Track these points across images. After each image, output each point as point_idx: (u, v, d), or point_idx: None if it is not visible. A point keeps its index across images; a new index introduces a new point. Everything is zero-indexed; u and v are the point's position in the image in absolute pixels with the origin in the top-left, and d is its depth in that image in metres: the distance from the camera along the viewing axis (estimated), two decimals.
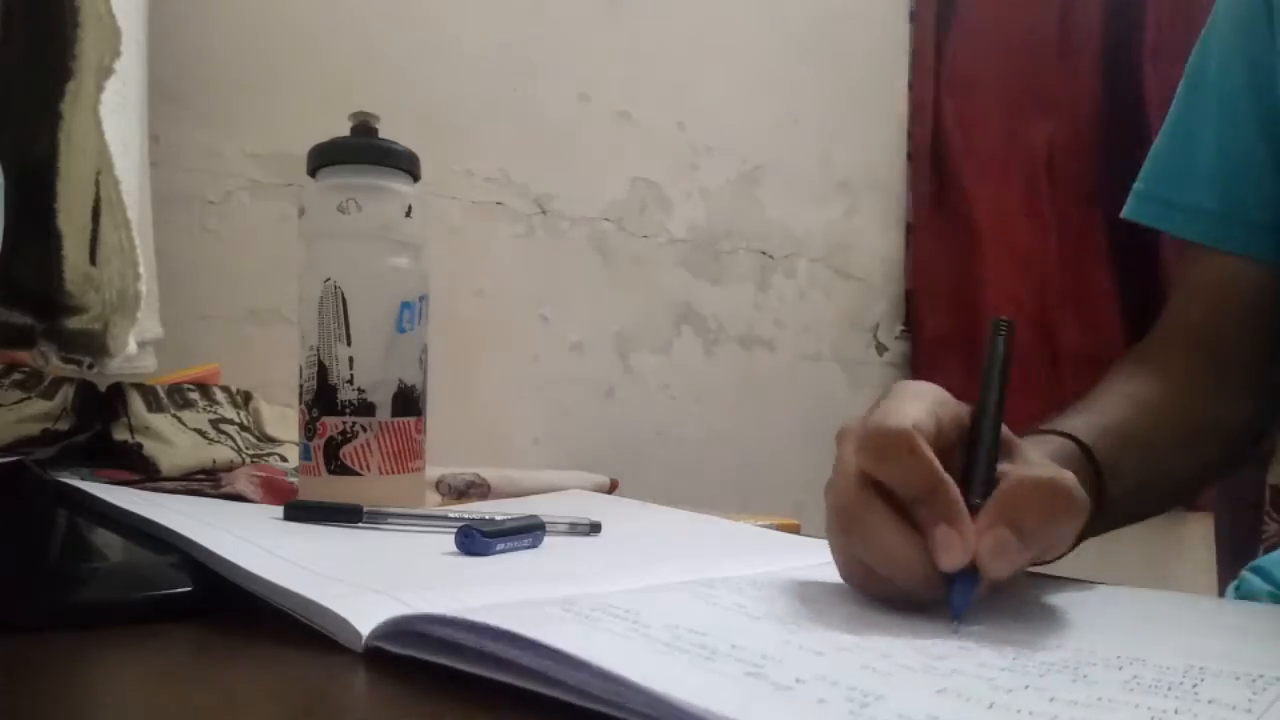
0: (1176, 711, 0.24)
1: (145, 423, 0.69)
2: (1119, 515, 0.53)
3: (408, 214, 0.60)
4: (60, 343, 0.49)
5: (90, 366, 0.51)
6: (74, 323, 0.48)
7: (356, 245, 0.59)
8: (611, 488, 0.85)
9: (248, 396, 0.82)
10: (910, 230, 1.63)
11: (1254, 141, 0.60)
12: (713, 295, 1.39)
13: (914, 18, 1.59)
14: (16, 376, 0.68)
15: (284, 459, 0.74)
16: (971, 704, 0.24)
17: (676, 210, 1.36)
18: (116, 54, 0.51)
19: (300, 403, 0.60)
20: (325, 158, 0.60)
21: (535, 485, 0.79)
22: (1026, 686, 0.26)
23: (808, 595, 0.37)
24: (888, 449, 0.35)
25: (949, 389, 0.40)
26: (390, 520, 0.51)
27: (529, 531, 0.48)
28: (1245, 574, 0.65)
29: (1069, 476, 0.36)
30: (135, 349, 0.51)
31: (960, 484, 0.36)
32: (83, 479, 0.58)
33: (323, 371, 0.58)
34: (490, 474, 0.78)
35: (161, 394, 0.73)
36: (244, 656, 0.32)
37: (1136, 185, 0.66)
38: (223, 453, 0.70)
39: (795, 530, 0.67)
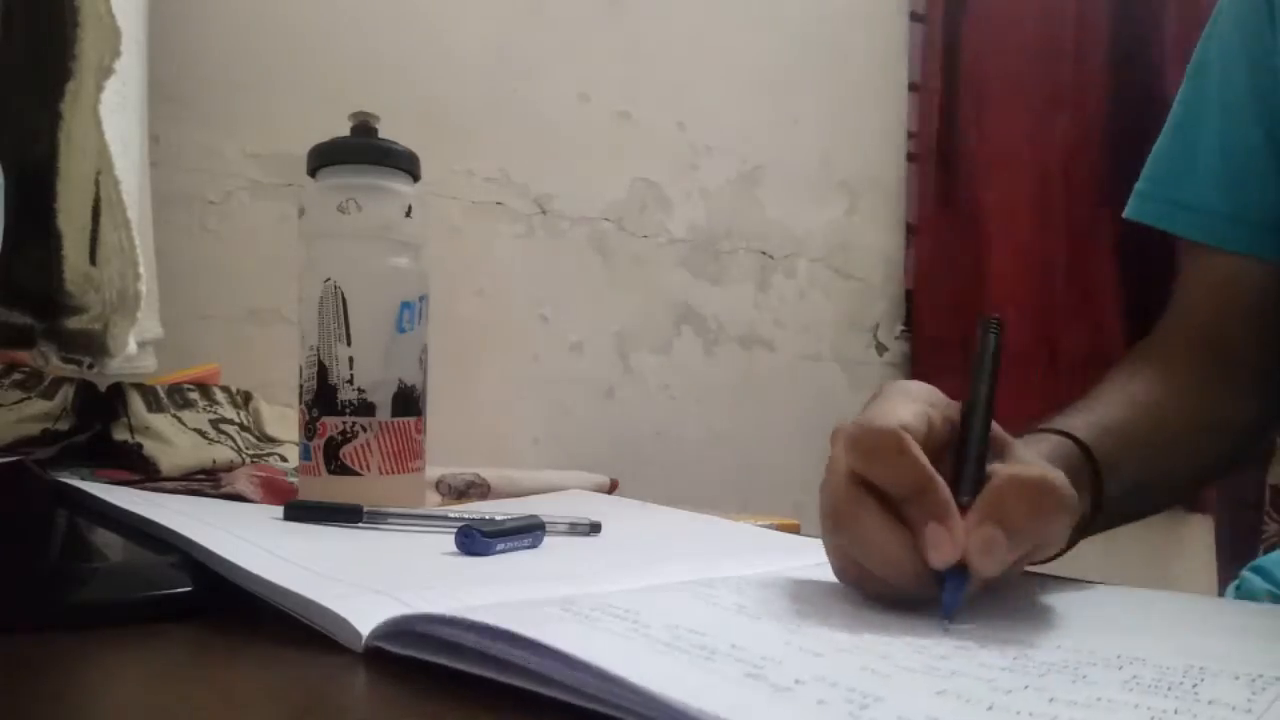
0: (1176, 711, 0.24)
1: (145, 423, 0.69)
2: (1119, 514, 0.53)
3: (408, 214, 0.60)
4: (60, 343, 0.49)
5: (90, 366, 0.51)
6: (74, 323, 0.48)
7: (356, 245, 0.59)
8: (611, 488, 0.85)
9: (248, 396, 0.82)
10: (912, 230, 1.63)
11: (1257, 141, 0.60)
12: (713, 295, 1.39)
13: (923, 17, 1.59)
14: (16, 376, 0.68)
15: (284, 459, 0.74)
16: (971, 705, 0.24)
17: (676, 210, 1.36)
18: (116, 54, 0.51)
19: (300, 403, 0.60)
20: (325, 158, 0.60)
21: (535, 485, 0.79)
22: (1026, 687, 0.26)
23: (807, 595, 0.37)
24: (876, 449, 0.35)
25: (949, 390, 0.40)
26: (390, 520, 0.51)
27: (529, 531, 0.48)
28: (1245, 573, 0.65)
29: (1057, 474, 0.36)
30: (135, 349, 0.51)
31: (950, 483, 0.36)
32: (83, 479, 0.58)
33: (323, 371, 0.58)
34: (490, 474, 0.78)
35: (161, 394, 0.73)
36: (244, 656, 0.32)
37: (1139, 185, 0.66)
38: (223, 453, 0.70)
39: (795, 530, 0.67)
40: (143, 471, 0.65)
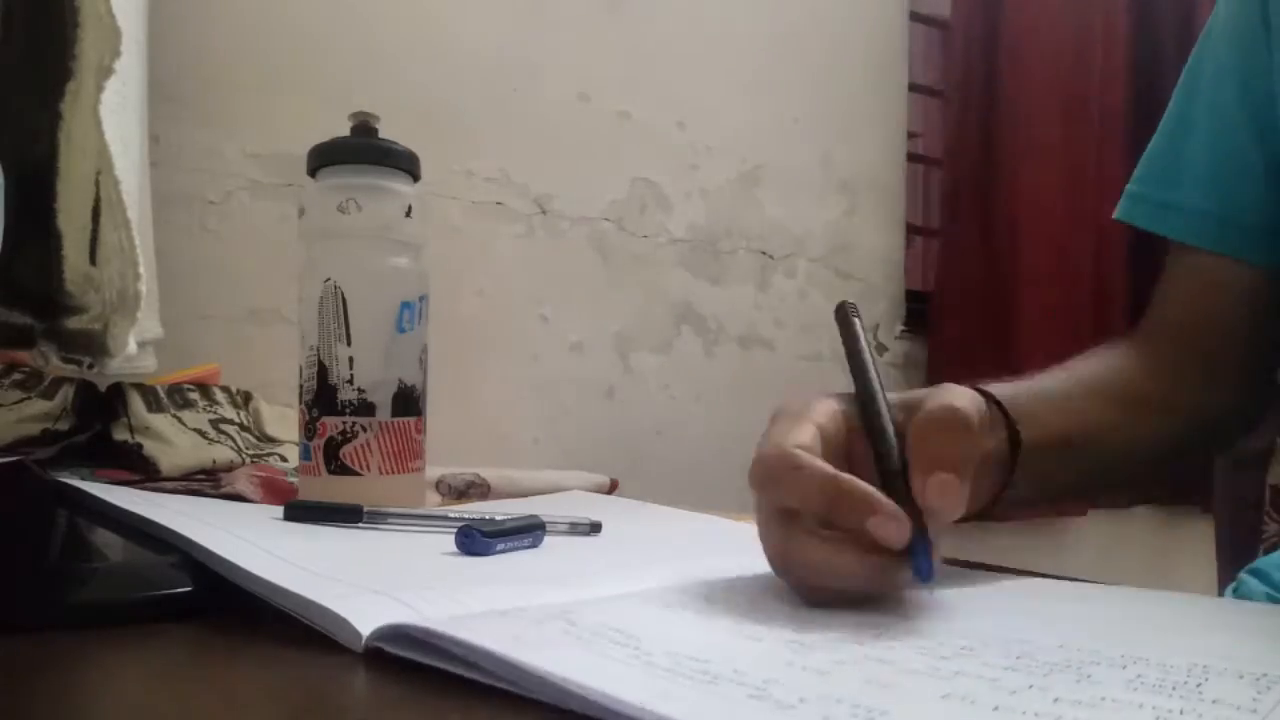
0: (1181, 711, 0.24)
1: (145, 423, 0.69)
2: (1049, 479, 0.52)
3: (408, 214, 0.60)
4: (60, 343, 0.49)
5: (90, 366, 0.51)
6: (74, 323, 0.48)
7: (356, 245, 0.59)
8: (611, 488, 0.85)
9: (248, 396, 0.82)
10: (914, 230, 1.63)
11: (1246, 147, 0.61)
12: (713, 295, 1.39)
13: (926, 18, 1.59)
14: (16, 376, 0.68)
15: (284, 459, 0.74)
16: (976, 708, 0.24)
17: (676, 210, 1.36)
18: (116, 54, 0.51)
19: (300, 403, 0.60)
20: (325, 158, 0.60)
21: (535, 485, 0.79)
22: (1030, 687, 0.26)
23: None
24: (773, 474, 0.36)
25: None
26: (390, 520, 0.51)
27: (529, 531, 0.48)
28: (1243, 576, 0.65)
29: (950, 390, 0.37)
30: (135, 349, 0.51)
31: (875, 460, 0.37)
32: (83, 479, 0.58)
33: (323, 371, 0.58)
34: (490, 474, 0.78)
35: (161, 394, 0.73)
36: (244, 656, 0.32)
37: (1129, 187, 0.66)
38: (223, 453, 0.70)
39: None
40: (143, 471, 0.65)
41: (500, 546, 0.45)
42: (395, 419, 0.59)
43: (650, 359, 1.33)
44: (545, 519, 0.49)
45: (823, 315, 1.49)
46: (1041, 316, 1.56)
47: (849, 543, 0.35)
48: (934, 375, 1.55)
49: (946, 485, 0.34)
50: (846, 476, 0.35)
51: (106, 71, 0.51)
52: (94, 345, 0.49)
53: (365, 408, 0.58)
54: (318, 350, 0.59)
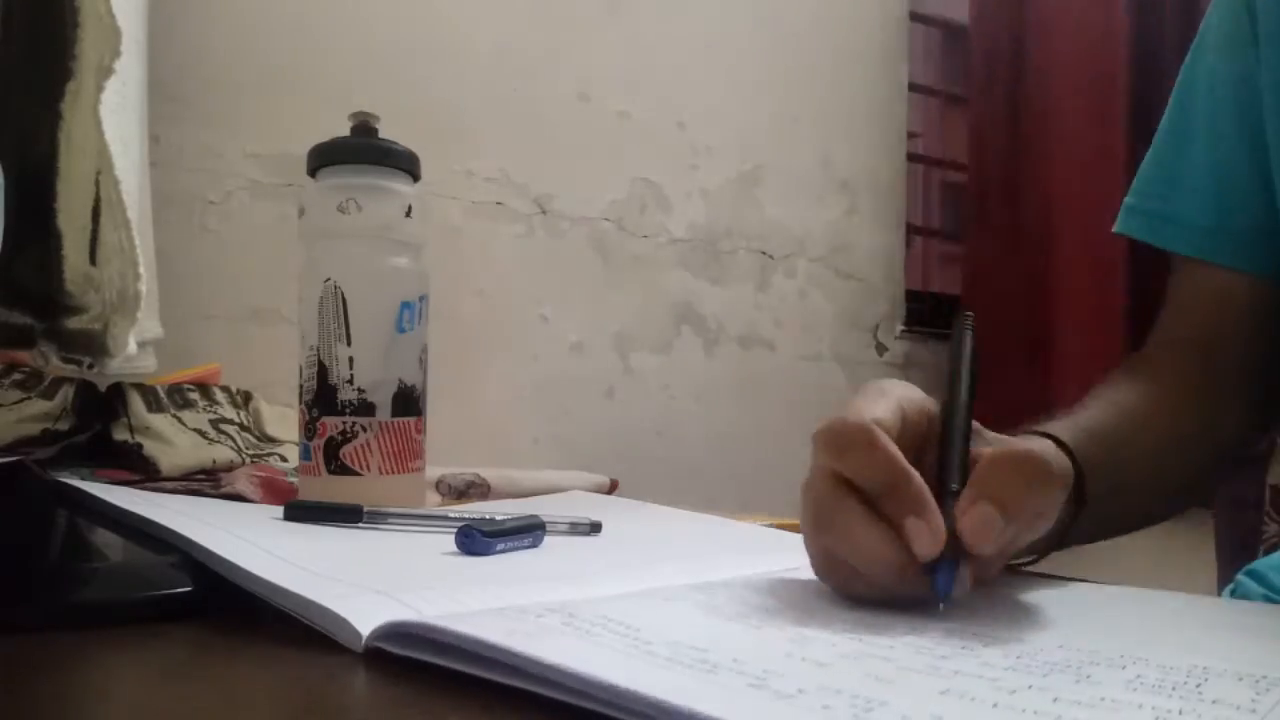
0: (1181, 711, 0.24)
1: (145, 423, 0.69)
2: (1103, 521, 0.52)
3: (408, 214, 0.60)
4: (60, 343, 0.49)
5: (90, 366, 0.51)
6: (74, 323, 0.48)
7: (356, 245, 0.59)
8: (611, 488, 0.85)
9: (248, 396, 0.82)
10: (921, 232, 1.62)
11: (1241, 157, 0.61)
12: (713, 295, 1.39)
13: (928, 18, 1.58)
14: (16, 376, 0.68)
15: (284, 459, 0.74)
16: (976, 704, 0.24)
17: (676, 210, 1.36)
18: (116, 54, 0.51)
19: (300, 403, 0.60)
20: (325, 158, 0.60)
21: (535, 485, 0.79)
22: (1030, 686, 0.26)
23: (808, 598, 0.37)
24: (849, 443, 0.35)
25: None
26: (390, 520, 0.51)
27: (529, 531, 0.48)
28: (1240, 577, 0.65)
29: (1045, 444, 0.36)
30: (135, 349, 0.51)
31: (938, 472, 0.37)
32: (83, 479, 0.58)
33: (323, 371, 0.58)
34: (490, 474, 0.78)
35: (161, 394, 0.73)
36: (244, 656, 0.32)
37: (1127, 200, 0.67)
38: (223, 453, 0.70)
39: (795, 530, 0.67)
40: (143, 471, 0.65)
41: (500, 546, 0.45)
42: (395, 419, 0.59)
43: (650, 359, 1.33)
44: (545, 519, 0.49)
45: (823, 315, 1.49)
46: (1077, 322, 1.55)
47: (884, 529, 0.35)
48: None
49: (988, 519, 0.34)
50: (912, 470, 0.35)
51: (106, 71, 0.51)
52: (94, 345, 0.49)
53: (365, 408, 0.58)
54: (318, 350, 0.59)
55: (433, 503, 0.70)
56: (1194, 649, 0.31)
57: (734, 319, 1.40)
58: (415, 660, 0.28)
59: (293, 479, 0.63)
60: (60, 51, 0.49)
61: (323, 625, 0.32)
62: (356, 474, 0.58)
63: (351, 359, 0.58)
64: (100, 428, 0.69)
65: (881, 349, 1.55)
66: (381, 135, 0.62)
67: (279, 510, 0.51)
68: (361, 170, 0.59)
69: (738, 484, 1.35)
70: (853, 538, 0.35)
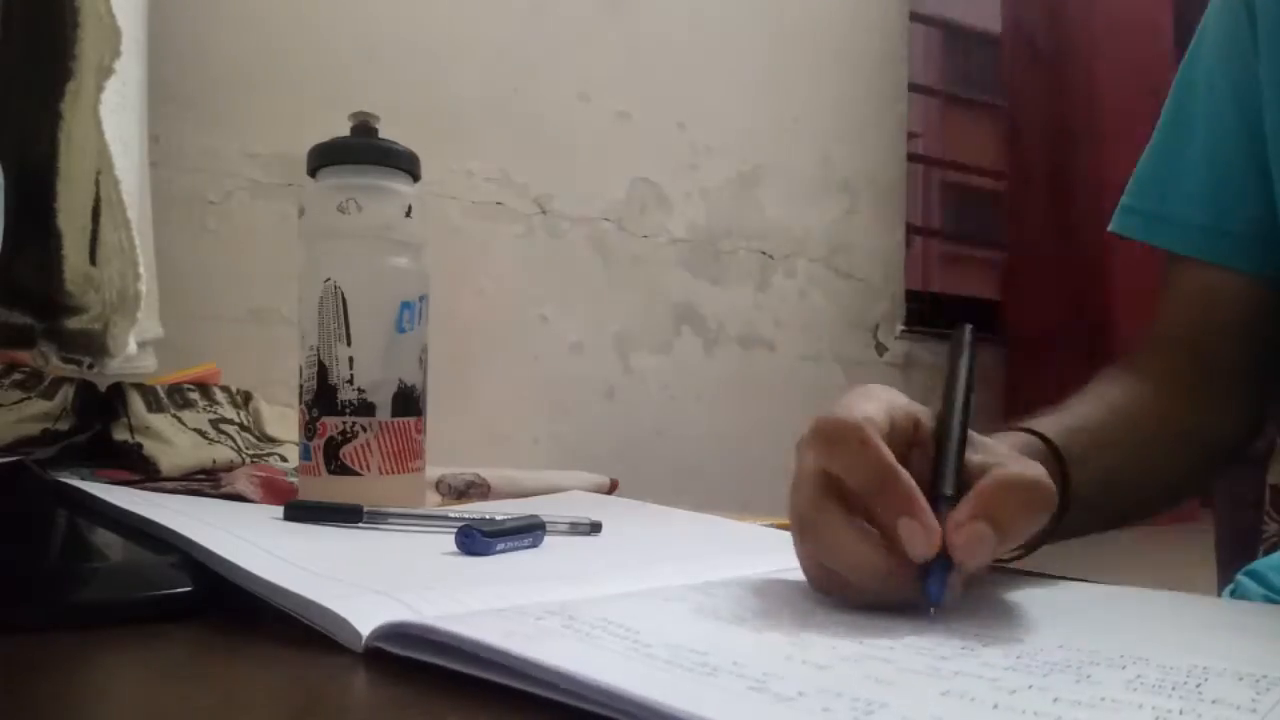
0: (1181, 711, 0.24)
1: (145, 423, 0.69)
2: (1090, 516, 0.53)
3: (408, 214, 0.60)
4: (60, 343, 0.49)
5: (90, 366, 0.51)
6: (74, 323, 0.48)
7: (356, 245, 0.59)
8: (611, 488, 0.85)
9: (248, 396, 0.82)
10: (921, 232, 1.62)
11: (1239, 157, 0.61)
12: (713, 295, 1.39)
13: (929, 18, 1.58)
14: (16, 376, 0.68)
15: (284, 459, 0.74)
16: (976, 704, 0.24)
17: (676, 210, 1.36)
18: (116, 54, 0.51)
19: (300, 403, 0.60)
20: (325, 158, 0.60)
21: (535, 485, 0.79)
22: (1030, 686, 0.26)
23: (809, 599, 0.37)
24: (839, 440, 0.35)
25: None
26: (390, 520, 0.51)
27: (529, 531, 0.48)
28: (1240, 578, 0.65)
29: (1041, 471, 0.36)
30: (135, 349, 0.51)
31: (931, 477, 0.37)
32: (83, 479, 0.58)
33: (323, 371, 0.58)
34: (490, 474, 0.78)
35: (161, 394, 0.73)
36: (244, 656, 0.32)
37: (1123, 200, 0.67)
38: (223, 453, 0.70)
39: None
40: (143, 471, 0.65)
41: (500, 546, 0.45)
42: (395, 419, 0.59)
43: (650, 359, 1.33)
44: (545, 519, 0.49)
45: (823, 315, 1.49)
46: (1131, 324, 1.55)
47: (868, 534, 0.35)
48: (1012, 376, 1.55)
49: (983, 537, 0.34)
50: (903, 469, 0.35)
51: (106, 71, 0.51)
52: (94, 345, 0.49)
53: (365, 408, 0.58)
54: (318, 350, 0.59)
55: (433, 503, 0.70)
56: (1194, 649, 0.31)
57: (734, 319, 1.40)
58: (415, 660, 0.28)
59: (293, 479, 0.63)
60: (60, 51, 0.49)
61: (323, 625, 0.32)
62: (356, 474, 0.58)
63: (351, 359, 0.58)
64: (100, 428, 0.69)
65: (881, 349, 1.55)
66: (381, 135, 0.62)
67: (279, 510, 0.51)
68: (361, 170, 0.59)
69: (738, 484, 1.35)
70: (837, 544, 0.35)
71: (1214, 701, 0.25)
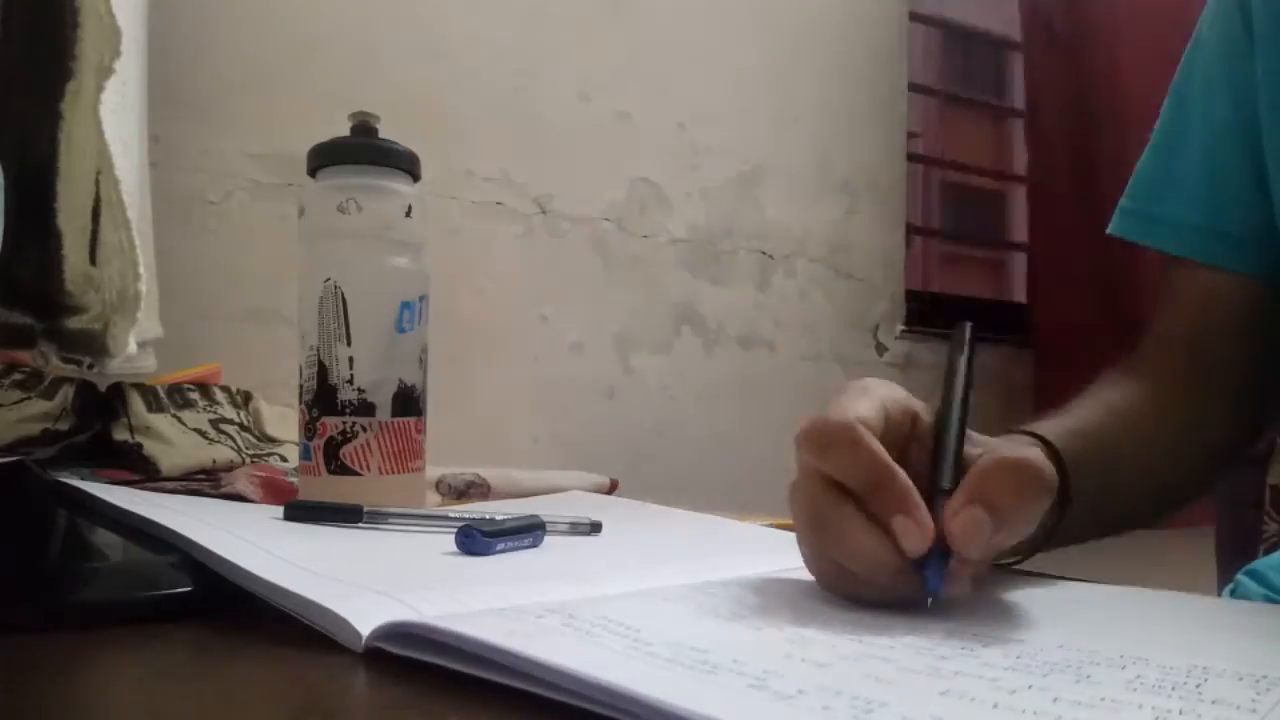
0: (1180, 711, 0.24)
1: (145, 423, 0.69)
2: (1091, 520, 0.52)
3: (408, 214, 0.60)
4: (60, 343, 0.49)
5: (90, 366, 0.51)
6: (74, 323, 0.48)
7: (356, 245, 0.59)
8: (611, 488, 0.85)
9: (248, 396, 0.82)
10: (921, 232, 1.62)
11: (1237, 159, 0.61)
12: (713, 295, 1.39)
13: (928, 18, 1.58)
14: (16, 376, 0.68)
15: (284, 459, 0.74)
16: (975, 704, 0.24)
17: (676, 210, 1.36)
18: (116, 54, 0.51)
19: (300, 403, 0.60)
20: (325, 158, 0.60)
21: (535, 485, 0.79)
22: (1030, 686, 0.26)
23: (808, 598, 0.37)
24: (830, 442, 0.35)
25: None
26: (390, 520, 0.51)
27: (529, 531, 0.48)
28: (1240, 577, 0.65)
29: (1037, 454, 0.36)
30: (135, 349, 0.51)
31: (930, 472, 0.37)
32: (83, 479, 0.58)
33: (323, 371, 0.58)
34: (490, 474, 0.78)
35: (161, 394, 0.73)
36: (244, 656, 0.32)
37: (1122, 202, 0.67)
38: (223, 453, 0.70)
39: (794, 530, 0.67)
40: (143, 471, 0.65)
41: (500, 546, 0.45)
42: (395, 419, 0.59)
43: (650, 359, 1.33)
44: (545, 519, 0.49)
45: (823, 315, 1.49)
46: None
47: (876, 530, 0.35)
48: (1043, 378, 1.54)
49: (979, 522, 0.34)
50: (897, 467, 0.35)
51: (106, 71, 0.51)
52: (94, 345, 0.49)
53: (365, 408, 0.58)
54: (318, 350, 0.59)
55: (433, 503, 0.70)
56: (1194, 649, 0.31)
57: (734, 319, 1.40)
58: (415, 660, 0.28)
59: (293, 479, 0.63)
60: (60, 51, 0.49)
61: (323, 625, 0.32)
62: (356, 474, 0.58)
63: (351, 359, 0.58)
64: (100, 428, 0.69)
65: (881, 349, 1.55)
66: (381, 135, 0.62)
67: (279, 510, 0.51)
68: (361, 170, 0.59)
69: (738, 484, 1.35)
70: (847, 541, 0.35)
71: (1214, 701, 0.25)
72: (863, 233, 1.54)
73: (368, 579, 0.36)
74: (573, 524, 0.53)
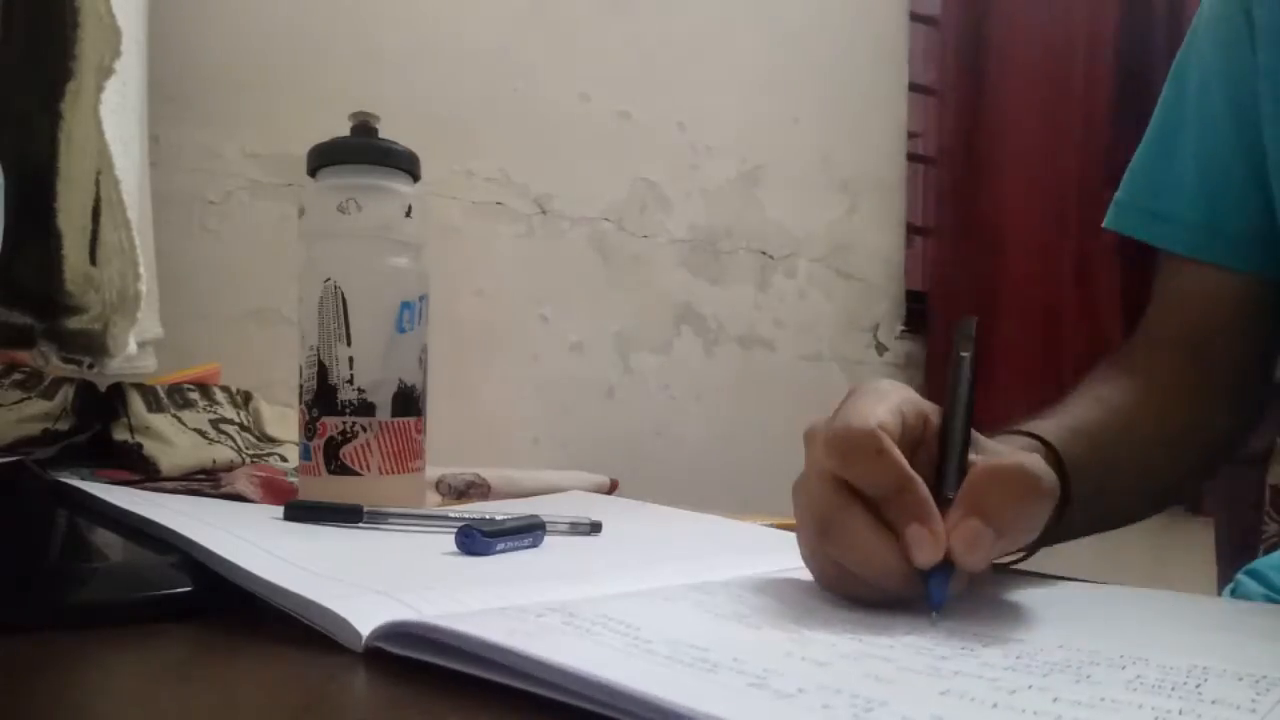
0: (1180, 712, 0.24)
1: (145, 423, 0.69)
2: (1086, 517, 0.52)
3: (408, 214, 0.60)
4: (60, 343, 0.49)
5: (90, 366, 0.51)
6: (74, 323, 0.48)
7: (356, 245, 0.59)
8: (611, 488, 0.85)
9: (248, 396, 0.82)
10: (915, 230, 1.62)
11: (1233, 155, 0.60)
12: (713, 295, 1.39)
13: (928, 18, 1.58)
14: (16, 376, 0.68)
15: (284, 459, 0.74)
16: (975, 704, 0.24)
17: (676, 210, 1.36)
18: (116, 54, 0.51)
19: (300, 403, 0.60)
20: (325, 158, 0.60)
21: (535, 485, 0.79)
22: (1030, 687, 0.26)
23: (808, 598, 0.37)
24: (854, 450, 0.35)
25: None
26: (390, 520, 0.51)
27: (529, 531, 0.48)
28: (1240, 577, 0.65)
29: (1034, 459, 0.36)
30: (135, 349, 0.51)
31: (934, 479, 0.37)
32: (83, 479, 0.58)
33: (323, 371, 0.58)
34: (490, 474, 0.78)
35: (161, 394, 0.73)
36: (244, 656, 0.32)
37: (1118, 196, 0.66)
38: (223, 453, 0.70)
39: (795, 530, 0.67)
40: (143, 471, 0.65)
41: (500, 546, 0.45)
42: (395, 419, 0.59)
43: (650, 359, 1.33)
44: (545, 519, 0.49)
45: (823, 315, 1.49)
46: (1023, 319, 1.56)
47: (885, 535, 0.35)
48: (933, 376, 1.55)
49: (979, 534, 0.34)
50: (917, 476, 0.35)
51: (106, 71, 0.51)
52: (94, 345, 0.49)
53: (365, 408, 0.58)
54: (318, 350, 0.59)
55: (433, 503, 0.70)
56: (1194, 649, 0.31)
57: (734, 319, 1.40)
58: (415, 660, 0.28)
59: (293, 479, 0.63)
60: (60, 51, 0.49)
61: (323, 625, 0.32)
62: (356, 474, 0.58)
63: (351, 359, 0.58)
64: (100, 428, 0.69)
65: (881, 349, 1.55)
66: (381, 135, 0.62)
67: (279, 510, 0.51)
68: (361, 170, 0.59)
69: (738, 484, 1.35)
70: (854, 544, 0.35)
71: (1214, 702, 0.25)
72: (863, 233, 1.54)
73: (368, 579, 0.36)
74: (573, 524, 0.53)
